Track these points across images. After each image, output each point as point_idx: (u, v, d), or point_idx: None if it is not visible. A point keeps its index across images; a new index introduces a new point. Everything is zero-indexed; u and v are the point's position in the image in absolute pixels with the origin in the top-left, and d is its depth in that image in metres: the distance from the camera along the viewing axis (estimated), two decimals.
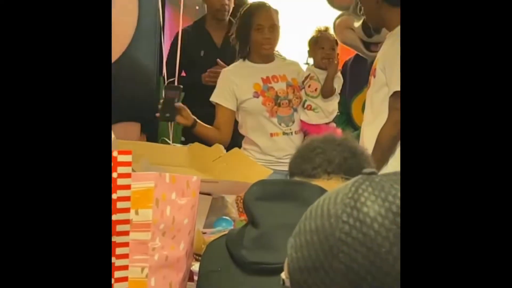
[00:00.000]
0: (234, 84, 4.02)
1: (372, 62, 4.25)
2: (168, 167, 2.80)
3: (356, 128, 4.35)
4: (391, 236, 0.99)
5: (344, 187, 1.05)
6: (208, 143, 3.48)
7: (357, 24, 4.41)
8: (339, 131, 4.11)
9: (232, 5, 4.70)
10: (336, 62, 4.08)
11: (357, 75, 4.48)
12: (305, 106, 4.05)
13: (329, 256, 1.01)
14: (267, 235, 1.81)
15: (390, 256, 0.99)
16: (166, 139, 4.04)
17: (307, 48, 4.19)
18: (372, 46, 4.45)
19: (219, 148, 3.30)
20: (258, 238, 1.82)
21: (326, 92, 4.06)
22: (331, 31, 4.24)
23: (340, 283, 1.00)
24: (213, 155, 3.23)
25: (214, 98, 4.06)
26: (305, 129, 4.04)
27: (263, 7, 4.04)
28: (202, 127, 3.97)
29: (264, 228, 1.83)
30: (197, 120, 3.95)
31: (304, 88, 4.07)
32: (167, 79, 4.76)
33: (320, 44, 4.12)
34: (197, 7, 5.47)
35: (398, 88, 3.56)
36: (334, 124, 4.15)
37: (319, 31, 4.18)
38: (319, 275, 1.02)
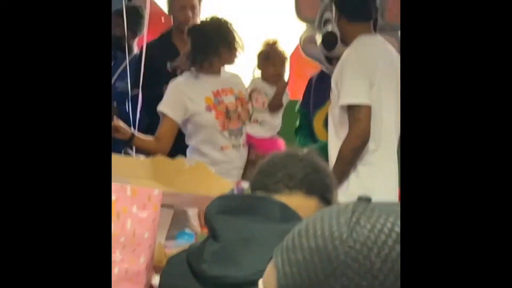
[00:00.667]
0: (186, 97, 4.04)
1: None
2: (130, 179, 2.78)
3: (316, 141, 4.38)
4: (396, 267, 1.01)
5: (345, 210, 1.05)
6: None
7: (319, 38, 4.44)
8: (282, 142, 4.18)
9: (197, 18, 4.71)
10: (285, 78, 4.16)
11: (321, 90, 4.50)
12: (251, 119, 4.12)
13: (331, 278, 1.02)
14: (228, 249, 1.80)
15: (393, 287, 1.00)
16: (129, 150, 4.02)
17: (256, 61, 4.24)
18: (334, 61, 4.47)
19: (182, 161, 3.29)
20: (218, 252, 1.82)
21: (275, 107, 4.15)
22: (279, 45, 4.28)
23: None
24: (176, 167, 3.22)
25: (162, 107, 4.06)
26: (250, 142, 4.12)
27: (225, 23, 4.11)
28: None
29: (225, 242, 1.82)
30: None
31: (250, 101, 4.13)
32: (131, 90, 4.75)
33: (271, 60, 4.18)
34: (162, 19, 5.47)
35: (350, 101, 3.66)
36: (278, 137, 4.21)
37: (269, 45, 4.23)
38: None
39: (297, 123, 4.52)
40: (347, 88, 3.70)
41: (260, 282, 1.09)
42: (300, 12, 4.66)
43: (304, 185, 1.93)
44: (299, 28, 4.79)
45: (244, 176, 4.08)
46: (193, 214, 3.24)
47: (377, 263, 1.00)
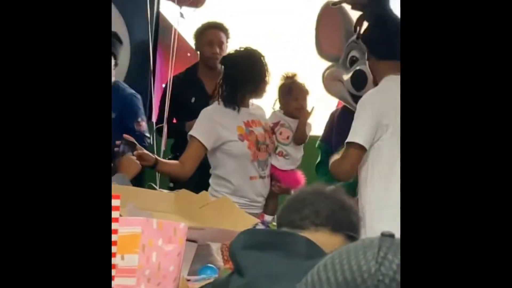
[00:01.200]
0: (218, 124, 4.05)
1: None
2: (154, 213, 2.79)
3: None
4: None
5: (371, 245, 1.07)
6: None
7: (346, 77, 4.45)
8: (302, 175, 4.22)
9: (223, 53, 4.73)
10: (308, 110, 4.20)
11: (344, 127, 4.51)
12: (277, 152, 4.16)
13: None
14: (253, 285, 1.80)
15: None
16: (153, 185, 4.03)
17: (277, 95, 4.28)
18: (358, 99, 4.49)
19: (206, 195, 3.30)
20: (243, 287, 1.82)
21: (300, 140, 4.21)
22: (298, 77, 4.32)
23: None
24: (200, 202, 3.22)
25: (194, 132, 4.04)
26: (273, 173, 4.15)
27: (262, 56, 4.12)
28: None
29: (250, 278, 1.82)
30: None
31: (275, 134, 4.17)
32: (157, 125, 4.78)
33: (294, 94, 4.23)
34: (188, 54, 5.51)
35: (348, 139, 3.68)
36: (298, 170, 4.25)
37: (289, 78, 4.28)
38: None
39: (318, 159, 4.52)
40: (352, 127, 3.72)
41: None
42: (321, 49, 4.66)
43: (330, 222, 1.93)
44: (320, 64, 4.81)
45: (265, 208, 4.11)
46: (216, 248, 3.24)
47: None
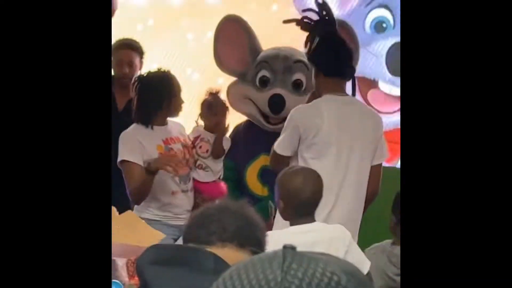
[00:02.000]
0: (139, 144, 4.14)
1: (265, 132, 4.36)
2: None
3: (252, 195, 4.42)
4: None
5: (275, 256, 1.09)
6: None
7: (259, 97, 4.50)
8: (224, 186, 4.39)
9: (135, 72, 4.68)
10: (225, 125, 4.38)
11: (251, 141, 4.56)
12: (197, 165, 4.32)
13: None
14: None
15: None
16: None
17: (199, 110, 4.44)
18: (271, 119, 4.54)
19: (112, 210, 3.28)
20: None
21: (217, 154, 4.36)
22: (223, 94, 4.48)
23: None
24: None
25: (124, 157, 4.10)
26: (196, 186, 4.29)
27: (172, 75, 4.28)
28: None
29: None
30: None
31: (195, 148, 4.32)
32: None
33: (214, 110, 4.37)
34: None
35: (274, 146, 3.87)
36: (220, 181, 4.41)
37: (212, 94, 4.42)
38: None
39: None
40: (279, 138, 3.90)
41: None
42: (222, 63, 4.67)
43: (236, 238, 1.94)
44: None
45: None
46: (121, 264, 3.22)
47: None
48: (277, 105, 4.42)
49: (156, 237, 3.11)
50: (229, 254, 1.90)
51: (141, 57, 4.82)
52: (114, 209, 3.30)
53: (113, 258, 3.15)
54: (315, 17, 4.01)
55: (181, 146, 4.26)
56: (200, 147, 4.38)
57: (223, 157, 4.43)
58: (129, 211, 3.52)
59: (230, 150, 4.49)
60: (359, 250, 3.18)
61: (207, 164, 4.38)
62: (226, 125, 4.41)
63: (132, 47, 4.83)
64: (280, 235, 3.13)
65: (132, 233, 3.09)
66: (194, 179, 4.30)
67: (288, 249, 1.09)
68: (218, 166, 4.42)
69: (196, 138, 4.40)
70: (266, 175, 4.38)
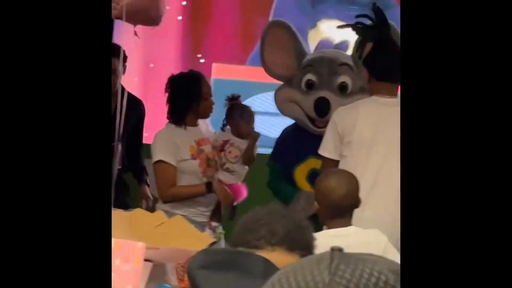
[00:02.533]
0: (173, 144, 4.33)
1: (313, 135, 4.38)
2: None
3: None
4: None
5: (322, 258, 1.10)
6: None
7: (304, 100, 4.52)
8: (245, 188, 4.54)
9: (118, 80, 4.59)
10: (256, 133, 4.53)
11: (299, 144, 4.58)
12: (224, 168, 4.48)
13: None
14: None
15: None
16: None
17: (225, 115, 4.59)
18: (317, 122, 4.55)
19: (160, 214, 3.31)
20: None
21: (249, 161, 4.51)
22: (241, 100, 4.64)
23: None
24: (154, 221, 3.23)
25: (158, 157, 4.31)
26: (220, 184, 4.44)
27: (203, 76, 4.48)
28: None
29: None
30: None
31: (224, 152, 4.45)
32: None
33: (245, 117, 4.52)
34: (151, 65, 5.52)
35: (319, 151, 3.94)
36: (242, 183, 4.57)
37: (233, 99, 4.59)
38: None
39: (270, 177, 4.58)
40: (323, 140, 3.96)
41: None
42: (269, 69, 4.70)
43: (286, 242, 1.95)
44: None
45: (212, 216, 4.42)
46: (170, 268, 3.24)
47: None
48: (323, 108, 4.45)
49: (205, 241, 3.13)
50: (279, 258, 1.91)
51: (124, 62, 4.73)
52: (162, 213, 3.33)
53: (162, 262, 3.18)
54: (367, 21, 4.05)
55: (210, 148, 4.43)
56: (230, 152, 4.49)
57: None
58: (178, 216, 3.54)
59: (278, 153, 4.56)
60: (397, 253, 3.16)
61: (234, 168, 4.51)
62: (258, 133, 4.56)
63: (114, 54, 4.71)
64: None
65: (181, 237, 3.11)
66: (220, 182, 4.44)
67: (336, 250, 1.10)
68: (244, 171, 4.56)
69: (225, 142, 4.51)
70: (315, 178, 4.38)
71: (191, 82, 4.40)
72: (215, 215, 4.43)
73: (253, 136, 4.52)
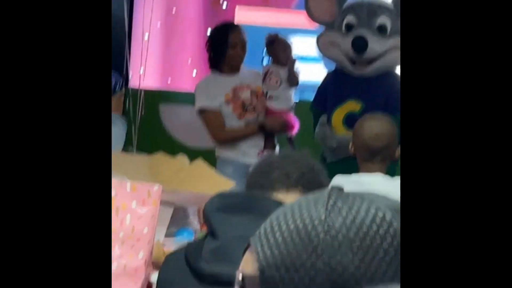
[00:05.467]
0: (211, 91, 4.62)
1: (358, 77, 4.39)
2: (130, 176, 2.81)
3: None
4: (374, 245, 1.05)
5: (321, 195, 1.10)
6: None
7: (344, 41, 4.52)
8: (294, 118, 4.75)
9: None
10: (294, 57, 4.81)
11: (339, 88, 4.60)
12: (267, 96, 4.75)
13: (312, 256, 1.05)
14: (225, 247, 1.82)
15: (382, 262, 1.04)
16: (131, 148, 4.04)
17: (265, 50, 4.91)
18: (357, 63, 4.55)
19: (182, 159, 3.32)
20: (216, 249, 1.84)
21: (293, 83, 4.78)
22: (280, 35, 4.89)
23: (321, 283, 1.04)
24: (176, 165, 3.24)
25: (201, 105, 4.61)
26: (270, 114, 4.72)
27: (237, 27, 4.74)
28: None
29: (223, 240, 1.84)
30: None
31: (265, 82, 4.75)
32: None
33: (282, 45, 4.84)
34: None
35: None
36: (292, 114, 4.78)
37: (272, 36, 4.88)
38: (299, 273, 1.05)
39: (313, 122, 4.62)
40: None
41: (238, 272, 1.12)
42: (313, 15, 4.74)
43: (300, 184, 1.95)
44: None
45: (265, 146, 4.69)
46: (192, 212, 3.26)
47: (356, 240, 1.05)
48: (360, 45, 4.46)
49: (226, 185, 3.14)
50: (294, 199, 1.91)
51: None
52: (185, 157, 3.34)
53: (184, 206, 3.20)
54: None
55: (249, 94, 4.65)
56: (270, 79, 4.76)
57: (294, 89, 4.82)
58: (199, 160, 3.55)
59: (319, 99, 4.70)
60: None
61: (278, 94, 4.76)
62: (295, 58, 4.81)
63: None
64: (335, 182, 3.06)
65: (202, 181, 3.12)
66: (267, 109, 4.71)
67: (335, 189, 1.10)
68: (288, 95, 4.79)
69: (266, 73, 4.79)
70: (352, 121, 4.40)
71: (220, 31, 4.67)
72: (268, 144, 4.67)
73: (291, 61, 4.78)
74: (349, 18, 4.58)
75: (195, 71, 6.50)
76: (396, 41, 4.45)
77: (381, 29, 4.54)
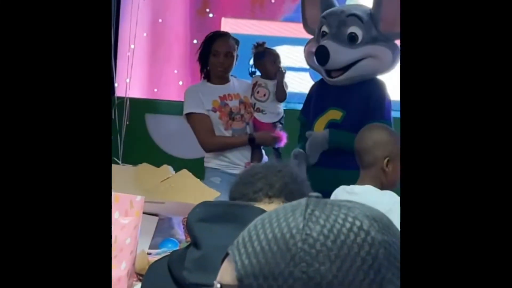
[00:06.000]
0: (199, 97, 4.62)
1: (339, 86, 4.40)
2: (115, 186, 2.80)
3: None
4: (352, 253, 1.05)
5: (298, 204, 1.10)
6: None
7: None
8: (282, 133, 4.71)
9: None
10: (283, 70, 4.76)
11: (321, 98, 4.62)
12: (255, 109, 4.74)
13: (291, 264, 1.05)
14: (208, 257, 1.83)
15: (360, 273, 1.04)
16: (115, 159, 4.04)
17: (253, 61, 4.86)
18: (332, 73, 4.56)
19: (166, 169, 3.32)
20: (199, 259, 1.84)
21: (280, 97, 4.75)
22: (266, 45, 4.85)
23: None
24: (161, 175, 3.24)
25: (189, 110, 4.62)
26: (257, 126, 4.73)
27: (223, 35, 4.73)
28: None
29: (205, 250, 1.84)
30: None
31: (253, 94, 4.73)
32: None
33: (270, 58, 4.78)
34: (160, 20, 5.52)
35: None
36: (281, 126, 4.77)
37: (260, 46, 4.82)
38: (277, 282, 1.05)
39: (300, 130, 4.68)
40: None
41: (216, 282, 1.12)
42: (307, 24, 4.76)
43: (283, 194, 1.96)
44: None
45: (252, 159, 4.64)
46: (177, 222, 3.26)
47: (334, 249, 1.05)
48: (320, 56, 4.46)
49: (210, 194, 3.14)
50: None
51: None
52: (170, 168, 3.34)
53: (169, 216, 3.19)
54: None
55: (237, 103, 4.66)
56: (258, 92, 4.76)
57: (282, 103, 4.81)
58: (184, 170, 3.55)
59: (305, 107, 4.72)
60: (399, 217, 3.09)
61: (266, 107, 4.75)
62: (284, 71, 4.78)
63: None
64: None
65: (187, 191, 3.12)
66: (255, 121, 4.72)
67: (312, 197, 1.10)
68: (276, 109, 4.79)
69: (254, 85, 4.78)
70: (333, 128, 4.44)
71: (207, 39, 4.66)
72: (256, 155, 4.66)
73: (280, 73, 4.76)
74: (324, 28, 4.60)
75: (181, 82, 6.50)
76: (368, 49, 4.44)
77: (352, 39, 4.54)
